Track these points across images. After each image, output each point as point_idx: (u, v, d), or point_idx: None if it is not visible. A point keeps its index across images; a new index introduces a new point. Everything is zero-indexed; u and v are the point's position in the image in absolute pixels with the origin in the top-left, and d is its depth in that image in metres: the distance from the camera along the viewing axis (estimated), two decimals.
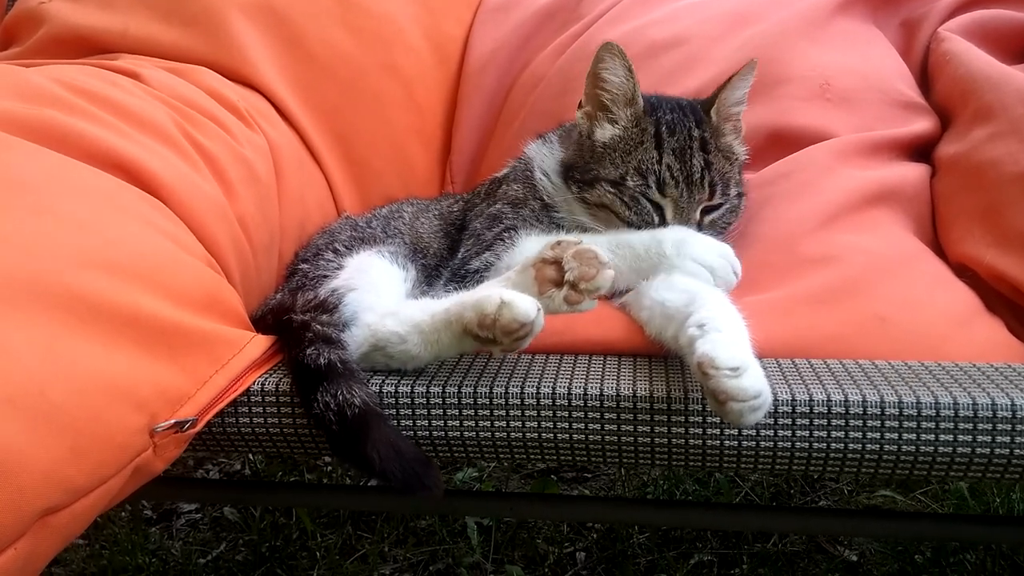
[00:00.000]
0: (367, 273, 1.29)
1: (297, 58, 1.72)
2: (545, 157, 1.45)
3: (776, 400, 1.02)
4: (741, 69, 1.34)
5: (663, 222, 1.29)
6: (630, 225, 1.30)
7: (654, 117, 1.34)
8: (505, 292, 1.01)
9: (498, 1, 1.94)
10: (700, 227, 1.29)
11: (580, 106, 1.40)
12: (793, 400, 1.03)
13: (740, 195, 1.36)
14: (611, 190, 1.31)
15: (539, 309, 1.00)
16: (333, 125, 1.75)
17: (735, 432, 1.04)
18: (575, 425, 1.07)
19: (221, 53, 1.66)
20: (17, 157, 1.05)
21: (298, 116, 1.70)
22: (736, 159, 1.38)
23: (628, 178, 1.30)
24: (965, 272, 1.31)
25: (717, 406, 0.95)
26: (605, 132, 1.36)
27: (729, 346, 0.97)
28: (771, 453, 1.04)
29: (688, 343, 1.02)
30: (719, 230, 1.33)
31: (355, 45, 1.76)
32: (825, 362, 1.13)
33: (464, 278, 1.30)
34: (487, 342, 1.03)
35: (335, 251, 1.37)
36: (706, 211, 1.31)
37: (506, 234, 1.32)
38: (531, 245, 1.27)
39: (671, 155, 1.30)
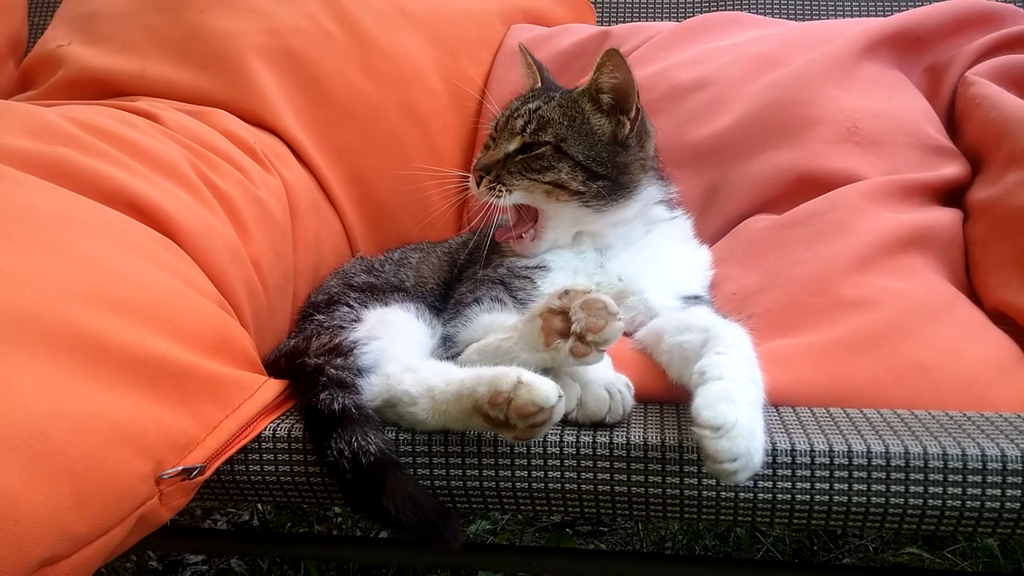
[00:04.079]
0: (391, 326, 1.26)
1: (314, 100, 1.72)
2: None
3: (813, 451, 0.98)
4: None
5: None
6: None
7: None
8: (525, 373, 0.97)
9: (518, 43, 1.92)
10: (508, 158, 1.36)
11: None
12: (831, 451, 0.98)
13: (560, 149, 1.33)
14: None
15: (561, 396, 0.96)
16: (350, 167, 1.74)
17: (787, 484, 0.99)
18: (600, 475, 1.03)
19: (238, 95, 1.66)
20: (27, 193, 1.04)
21: (314, 158, 1.69)
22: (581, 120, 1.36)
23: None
24: (1003, 320, 1.27)
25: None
26: None
27: (717, 402, 0.92)
28: (807, 506, 1.00)
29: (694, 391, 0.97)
30: (527, 174, 1.34)
31: (373, 87, 1.75)
32: (862, 411, 1.09)
33: (443, 342, 1.27)
34: (498, 425, 0.98)
35: (349, 305, 1.35)
36: (522, 149, 1.36)
37: (469, 309, 1.28)
38: (488, 320, 1.24)
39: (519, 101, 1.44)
